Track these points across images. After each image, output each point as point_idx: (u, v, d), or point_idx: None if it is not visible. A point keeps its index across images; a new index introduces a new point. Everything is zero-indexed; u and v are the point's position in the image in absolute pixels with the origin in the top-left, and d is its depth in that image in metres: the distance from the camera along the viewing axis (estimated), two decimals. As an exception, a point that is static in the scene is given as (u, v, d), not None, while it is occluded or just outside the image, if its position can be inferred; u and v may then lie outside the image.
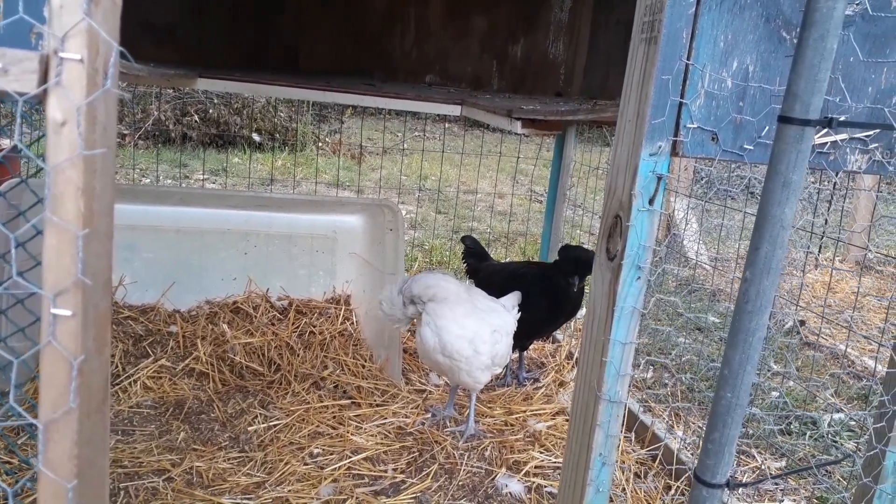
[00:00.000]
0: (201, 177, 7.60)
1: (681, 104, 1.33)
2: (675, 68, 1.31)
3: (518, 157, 5.79)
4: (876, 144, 1.39)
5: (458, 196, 7.23)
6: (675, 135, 1.34)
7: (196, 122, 9.17)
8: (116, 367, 3.19)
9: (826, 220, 5.13)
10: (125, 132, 8.76)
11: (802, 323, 4.65)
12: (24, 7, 0.95)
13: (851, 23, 1.33)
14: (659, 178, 1.35)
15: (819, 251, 5.87)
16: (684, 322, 4.64)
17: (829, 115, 1.14)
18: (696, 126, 1.35)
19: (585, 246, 3.51)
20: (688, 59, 1.31)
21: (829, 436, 3.30)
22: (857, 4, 1.30)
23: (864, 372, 4.03)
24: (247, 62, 3.45)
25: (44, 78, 0.82)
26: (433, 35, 3.68)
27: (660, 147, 1.34)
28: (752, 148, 1.37)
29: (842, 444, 3.25)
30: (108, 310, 0.91)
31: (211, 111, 9.26)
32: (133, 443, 2.72)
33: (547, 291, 3.21)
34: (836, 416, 3.46)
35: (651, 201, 1.37)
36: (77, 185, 0.83)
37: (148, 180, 7.37)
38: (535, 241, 6.24)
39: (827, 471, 3.02)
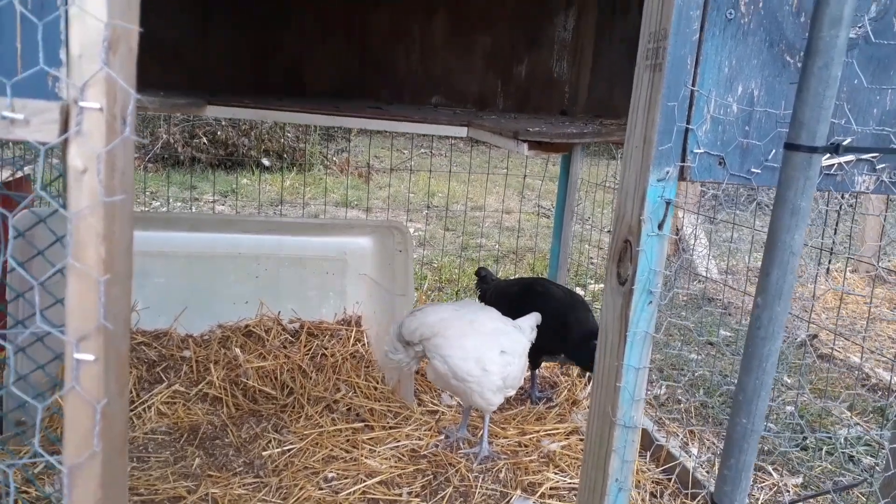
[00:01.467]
0: (211, 199, 7.66)
1: (687, 130, 1.34)
2: (681, 94, 1.32)
3: (525, 175, 5.81)
4: (883, 165, 1.40)
5: (466, 213, 7.25)
6: (683, 160, 1.35)
7: (205, 144, 9.26)
8: (131, 393, 3.21)
9: (836, 230, 5.11)
10: (134, 156, 8.83)
11: (814, 336, 4.62)
12: (43, 51, 0.97)
13: (855, 45, 1.34)
14: (667, 203, 1.36)
15: (829, 262, 5.85)
16: (696, 337, 4.62)
17: (836, 139, 1.15)
18: (703, 151, 1.36)
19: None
20: (693, 85, 1.32)
21: (846, 451, 3.27)
22: (860, 27, 1.31)
23: (880, 384, 3.99)
24: (254, 83, 3.49)
25: (64, 127, 0.84)
26: (438, 55, 3.71)
27: (667, 172, 1.35)
28: (759, 171, 1.38)
29: (859, 461, 3.22)
30: (127, 351, 0.93)
31: (219, 133, 9.35)
32: (148, 470, 2.73)
33: (556, 316, 3.21)
34: (853, 431, 3.43)
35: (660, 226, 1.38)
36: (98, 232, 0.84)
37: (158, 203, 7.43)
38: (543, 256, 6.24)
39: (846, 490, 2.99)
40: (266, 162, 9.33)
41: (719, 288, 5.65)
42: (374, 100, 3.63)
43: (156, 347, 3.57)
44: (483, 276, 3.90)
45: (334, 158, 10.40)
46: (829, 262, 5.82)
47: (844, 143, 1.16)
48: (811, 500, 2.84)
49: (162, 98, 2.51)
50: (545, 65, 3.78)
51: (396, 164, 10.10)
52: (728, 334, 4.71)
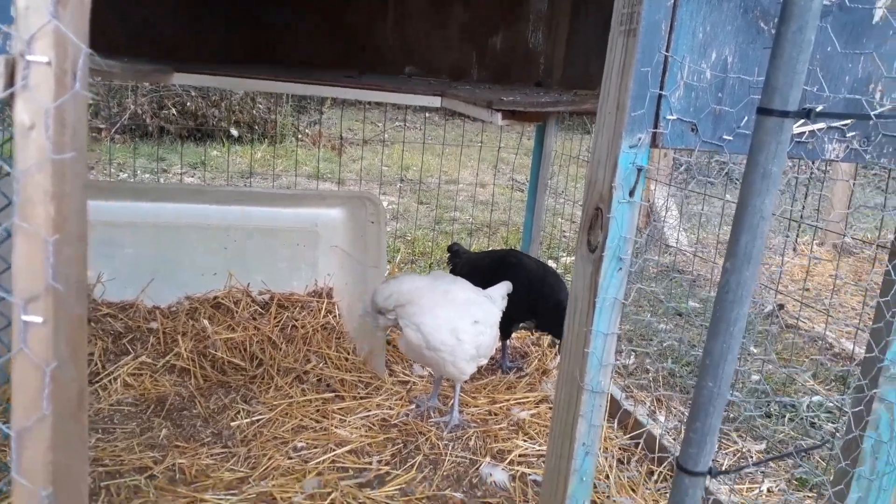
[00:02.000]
0: (180, 170, 7.51)
1: (660, 96, 1.33)
2: (655, 60, 1.30)
3: (499, 148, 5.78)
4: (853, 133, 1.40)
5: (439, 186, 7.21)
6: (655, 126, 1.34)
7: (173, 115, 9.05)
8: (96, 364, 3.16)
9: (804, 206, 5.19)
10: (101, 126, 8.62)
11: (781, 307, 4.71)
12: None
13: (829, 13, 1.33)
14: (639, 170, 1.35)
15: (797, 236, 5.94)
16: (665, 308, 4.68)
17: (808, 105, 1.15)
18: (675, 118, 1.35)
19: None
20: (667, 50, 1.30)
21: (808, 418, 3.35)
22: (834, -6, 1.30)
23: (843, 354, 4.09)
24: (227, 57, 3.39)
25: (10, 81, 0.80)
26: (413, 25, 3.65)
27: (640, 139, 1.34)
28: (731, 138, 1.37)
29: (821, 427, 3.30)
30: (82, 315, 0.89)
31: (189, 104, 9.14)
32: (114, 441, 2.70)
33: (528, 289, 3.21)
34: (815, 398, 3.51)
35: (631, 193, 1.37)
36: (46, 190, 0.81)
37: (125, 175, 7.27)
38: (517, 229, 6.25)
39: (807, 453, 3.07)
40: (234, 132, 9.16)
41: (689, 261, 5.72)
42: (347, 69, 3.56)
43: (122, 319, 3.50)
44: (455, 251, 3.88)
45: (306, 131, 10.24)
46: (797, 236, 5.91)
47: (817, 108, 1.16)
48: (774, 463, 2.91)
49: (125, 63, 2.42)
50: (521, 36, 3.74)
51: (370, 137, 10.00)
52: (697, 305, 4.78)
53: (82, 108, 0.85)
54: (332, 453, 2.70)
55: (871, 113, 1.26)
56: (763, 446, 3.10)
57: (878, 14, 1.32)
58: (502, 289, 3.07)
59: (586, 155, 5.54)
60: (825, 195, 6.24)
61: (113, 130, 8.67)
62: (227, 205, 3.77)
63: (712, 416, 1.21)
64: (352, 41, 3.59)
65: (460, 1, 3.65)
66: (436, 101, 3.00)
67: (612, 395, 3.10)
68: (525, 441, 2.88)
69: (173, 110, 9.08)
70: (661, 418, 3.26)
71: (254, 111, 9.50)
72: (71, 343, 0.86)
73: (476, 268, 3.51)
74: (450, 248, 3.96)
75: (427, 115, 12.08)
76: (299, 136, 10.01)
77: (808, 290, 5.27)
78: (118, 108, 8.88)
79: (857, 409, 1.58)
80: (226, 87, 4.01)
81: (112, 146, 8.17)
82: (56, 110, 0.80)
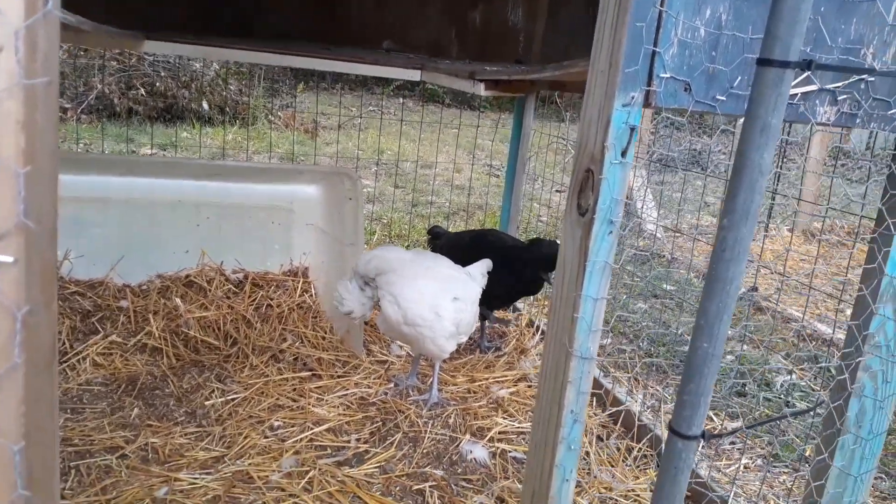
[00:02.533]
0: (149, 152, 7.34)
1: (654, 53, 1.30)
2: (649, 15, 1.27)
3: (477, 128, 5.74)
4: (844, 96, 1.39)
5: (416, 170, 7.15)
6: (649, 84, 1.31)
7: (142, 95, 8.83)
8: (64, 344, 3.06)
9: (776, 189, 5.25)
10: (66, 106, 8.38)
11: (755, 289, 4.76)
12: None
13: (823, -29, 1.31)
14: (632, 130, 1.33)
15: (768, 219, 6.02)
16: (641, 290, 4.70)
17: (807, 58, 1.13)
18: (669, 76, 1.32)
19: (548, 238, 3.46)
20: (661, 6, 1.27)
21: (783, 396, 3.39)
22: (830, -48, 1.28)
23: (815, 335, 4.15)
24: (201, 28, 3.30)
25: (-25, -2, 0.74)
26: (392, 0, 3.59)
27: (633, 97, 1.31)
28: (724, 98, 1.35)
29: (794, 405, 3.34)
30: (54, 260, 0.84)
31: (158, 84, 8.92)
32: (83, 421, 2.62)
33: (508, 267, 3.20)
34: (788, 378, 3.56)
35: (624, 153, 1.35)
36: (17, 119, 0.75)
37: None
38: (493, 213, 6.23)
39: (783, 429, 3.10)
40: (205, 104, 8.95)
41: (663, 246, 5.75)
42: (324, 44, 3.48)
43: (90, 297, 3.40)
44: (437, 233, 3.84)
45: (279, 113, 10.08)
46: (769, 218, 5.98)
47: (818, 62, 1.14)
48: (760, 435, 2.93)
49: (96, 24, 2.33)
50: (500, 13, 3.69)
51: (344, 121, 9.87)
52: (672, 288, 4.81)
53: (55, 34, 0.80)
54: (310, 432, 2.65)
55: (875, 69, 1.25)
56: (739, 424, 3.12)
57: (875, -29, 1.31)
58: (482, 266, 3.04)
59: (562, 143, 5.53)
60: (794, 183, 6.33)
61: (79, 110, 8.44)
62: (200, 180, 3.67)
63: (707, 377, 1.19)
64: (329, 15, 3.51)
65: (439, -25, 3.59)
66: (416, 75, 2.96)
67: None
68: (504, 418, 2.86)
69: (142, 90, 8.86)
70: (639, 396, 3.27)
71: (225, 93, 9.32)
72: (44, 288, 0.80)
73: (455, 246, 3.48)
74: (430, 231, 3.93)
75: (402, 100, 11.98)
76: (272, 118, 9.85)
77: (780, 273, 5.34)
78: (84, 87, 8.63)
79: (842, 377, 1.58)
80: (200, 56, 3.93)
81: (78, 126, 7.95)
82: (27, 31, 0.74)
